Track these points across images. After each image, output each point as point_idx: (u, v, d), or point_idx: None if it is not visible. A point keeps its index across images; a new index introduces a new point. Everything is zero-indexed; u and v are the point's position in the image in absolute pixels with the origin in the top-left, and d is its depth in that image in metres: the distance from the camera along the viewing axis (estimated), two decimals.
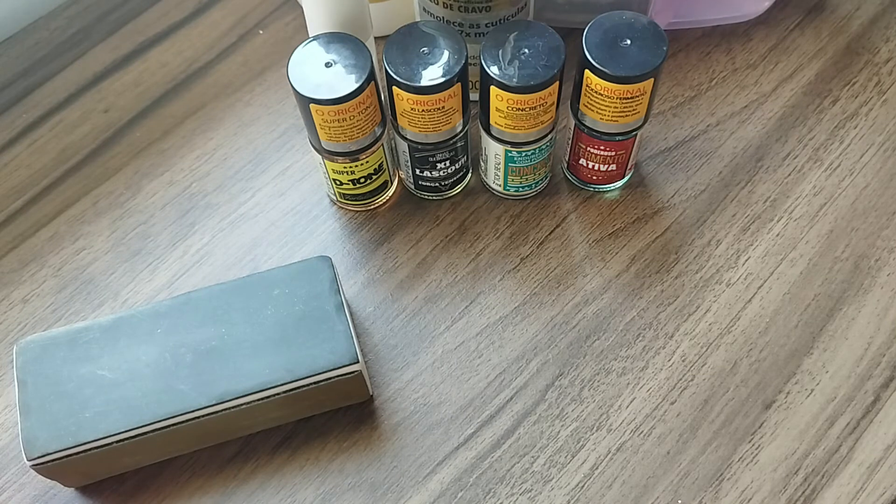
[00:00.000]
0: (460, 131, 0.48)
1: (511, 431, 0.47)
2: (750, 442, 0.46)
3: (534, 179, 0.52)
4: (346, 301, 0.46)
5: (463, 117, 0.47)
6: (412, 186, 0.53)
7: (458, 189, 0.53)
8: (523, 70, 0.44)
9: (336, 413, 0.47)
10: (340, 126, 0.45)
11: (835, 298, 0.50)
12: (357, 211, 0.53)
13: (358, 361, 0.43)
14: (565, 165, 0.54)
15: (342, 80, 0.43)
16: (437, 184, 0.52)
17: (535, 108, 0.45)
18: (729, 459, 0.46)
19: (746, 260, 0.51)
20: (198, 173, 0.55)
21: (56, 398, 0.42)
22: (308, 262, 0.45)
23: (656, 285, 0.50)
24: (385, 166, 0.50)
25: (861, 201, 0.53)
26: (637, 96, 0.45)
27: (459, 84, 0.44)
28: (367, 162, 0.48)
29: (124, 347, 0.43)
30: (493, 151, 0.49)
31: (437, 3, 0.49)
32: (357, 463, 0.46)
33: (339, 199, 0.52)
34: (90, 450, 0.42)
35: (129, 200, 0.54)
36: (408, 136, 0.48)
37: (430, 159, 0.49)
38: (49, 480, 0.45)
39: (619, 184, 0.53)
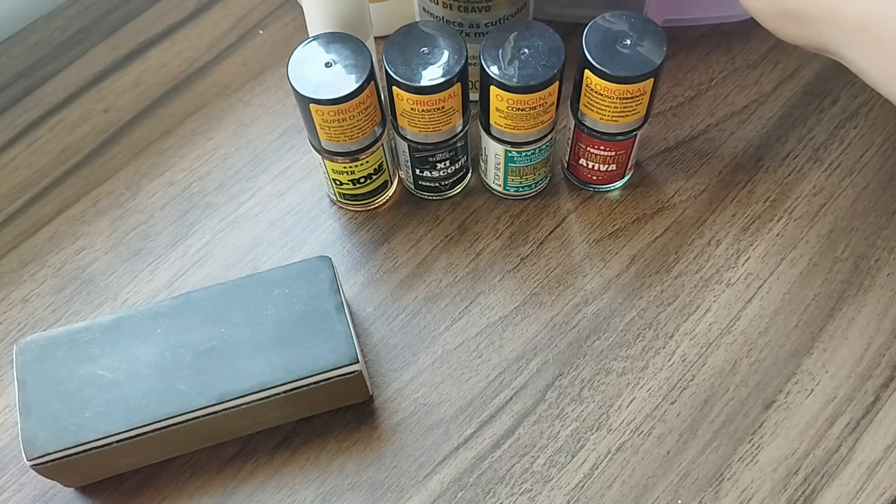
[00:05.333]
0: (460, 131, 0.48)
1: (511, 431, 0.47)
2: (750, 442, 0.46)
3: (534, 179, 0.52)
4: (346, 301, 0.46)
5: (463, 117, 0.47)
6: (412, 186, 0.53)
7: (458, 189, 0.53)
8: (523, 70, 0.44)
9: (336, 413, 0.47)
10: (340, 126, 0.45)
11: (835, 298, 0.50)
12: (357, 211, 0.53)
13: (358, 361, 0.43)
14: (565, 165, 0.54)
15: (342, 80, 0.43)
16: (437, 184, 0.52)
17: (535, 108, 0.45)
18: (729, 459, 0.46)
19: (746, 260, 0.51)
20: (198, 173, 0.55)
21: (56, 398, 0.42)
22: (308, 262, 0.45)
23: (656, 285, 0.50)
24: (385, 166, 0.50)
25: (861, 201, 0.53)
26: (637, 96, 0.45)
27: (459, 84, 0.44)
28: (367, 162, 0.48)
29: (124, 347, 0.43)
30: (493, 151, 0.49)
31: (437, 3, 0.49)
32: (357, 463, 0.46)
33: (339, 199, 0.52)
34: (90, 450, 0.42)
35: (129, 200, 0.54)
36: (408, 136, 0.48)
37: (430, 159, 0.49)
38: (49, 480, 0.45)
39: (619, 184, 0.53)
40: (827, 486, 0.45)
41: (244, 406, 0.43)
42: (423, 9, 0.50)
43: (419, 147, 0.48)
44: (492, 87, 0.44)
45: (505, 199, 0.53)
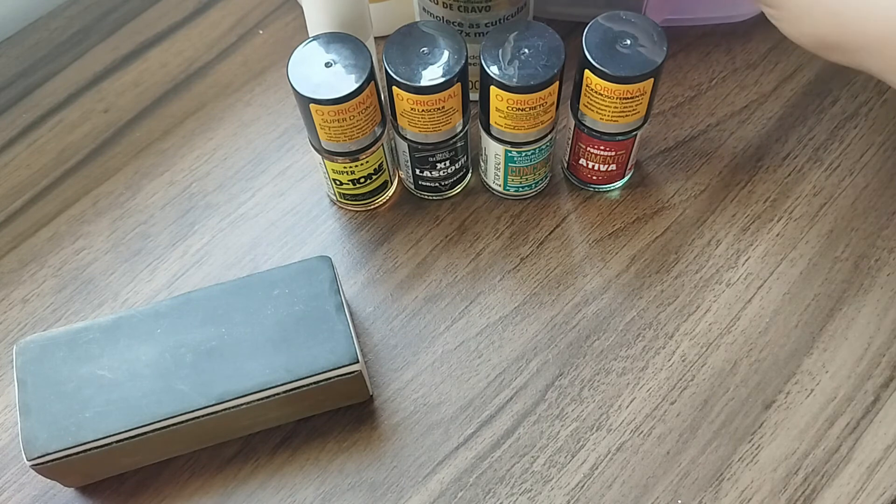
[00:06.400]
0: (460, 131, 0.48)
1: (511, 431, 0.47)
2: (750, 442, 0.46)
3: (534, 179, 0.52)
4: (346, 301, 0.46)
5: (463, 117, 0.47)
6: (412, 186, 0.53)
7: (458, 189, 0.53)
8: (523, 70, 0.44)
9: (336, 413, 0.47)
10: (340, 126, 0.45)
11: (835, 298, 0.50)
12: (357, 211, 0.53)
13: (358, 361, 0.43)
14: (565, 165, 0.54)
15: (342, 80, 0.43)
16: (437, 184, 0.52)
17: (535, 108, 0.45)
18: (729, 459, 0.46)
19: (746, 260, 0.51)
20: (198, 173, 0.55)
21: (56, 398, 0.42)
22: (308, 262, 0.45)
23: (656, 285, 0.50)
24: (385, 166, 0.50)
25: (861, 201, 0.53)
26: (637, 96, 0.45)
27: (459, 84, 0.44)
28: (367, 162, 0.48)
29: (124, 347, 0.43)
30: (493, 151, 0.49)
31: (437, 3, 0.49)
32: (357, 463, 0.46)
33: (339, 199, 0.52)
34: (90, 450, 0.42)
35: (129, 200, 0.54)
36: (408, 136, 0.48)
37: (430, 159, 0.49)
38: (49, 480, 0.45)
39: (619, 184, 0.53)
40: (827, 486, 0.45)
41: (244, 406, 0.43)
42: (423, 9, 0.50)
43: (419, 147, 0.48)
44: (492, 87, 0.44)
45: (505, 199, 0.53)
